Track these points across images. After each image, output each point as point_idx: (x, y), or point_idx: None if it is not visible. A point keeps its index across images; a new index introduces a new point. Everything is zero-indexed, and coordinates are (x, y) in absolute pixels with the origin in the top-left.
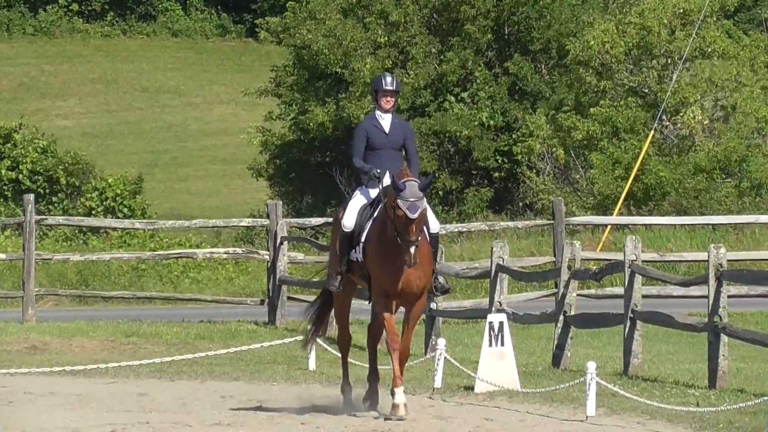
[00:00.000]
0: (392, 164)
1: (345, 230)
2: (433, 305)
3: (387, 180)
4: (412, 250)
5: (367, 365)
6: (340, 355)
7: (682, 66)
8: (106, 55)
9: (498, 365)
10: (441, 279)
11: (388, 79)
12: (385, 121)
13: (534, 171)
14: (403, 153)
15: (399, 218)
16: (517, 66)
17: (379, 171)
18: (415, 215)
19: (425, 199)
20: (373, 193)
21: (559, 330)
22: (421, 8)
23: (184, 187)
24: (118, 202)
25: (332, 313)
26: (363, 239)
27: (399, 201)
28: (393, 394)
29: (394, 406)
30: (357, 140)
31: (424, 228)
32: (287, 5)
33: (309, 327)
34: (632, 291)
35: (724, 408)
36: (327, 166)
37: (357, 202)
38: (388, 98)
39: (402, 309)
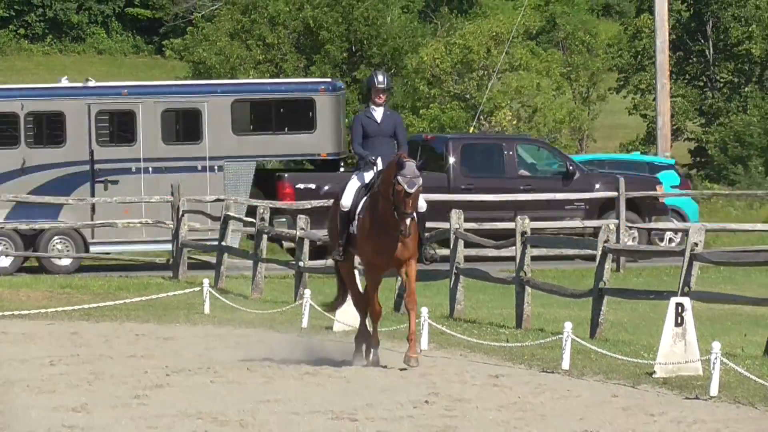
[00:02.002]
0: (385, 149)
1: (343, 209)
2: (301, 263)
3: (380, 165)
4: (408, 221)
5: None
6: (358, 316)
7: (496, 77)
8: (47, 69)
9: (351, 310)
10: (429, 250)
11: (380, 77)
12: (377, 113)
13: None
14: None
15: (398, 193)
16: (363, 75)
17: (374, 157)
18: (413, 190)
19: (421, 178)
20: (367, 176)
21: (400, 282)
22: (290, 33)
23: None
24: None
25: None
26: (357, 214)
27: (399, 177)
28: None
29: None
30: (355, 130)
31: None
32: (187, 30)
33: (337, 294)
34: (456, 252)
35: (528, 344)
36: None
37: (353, 184)
38: (380, 95)
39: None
